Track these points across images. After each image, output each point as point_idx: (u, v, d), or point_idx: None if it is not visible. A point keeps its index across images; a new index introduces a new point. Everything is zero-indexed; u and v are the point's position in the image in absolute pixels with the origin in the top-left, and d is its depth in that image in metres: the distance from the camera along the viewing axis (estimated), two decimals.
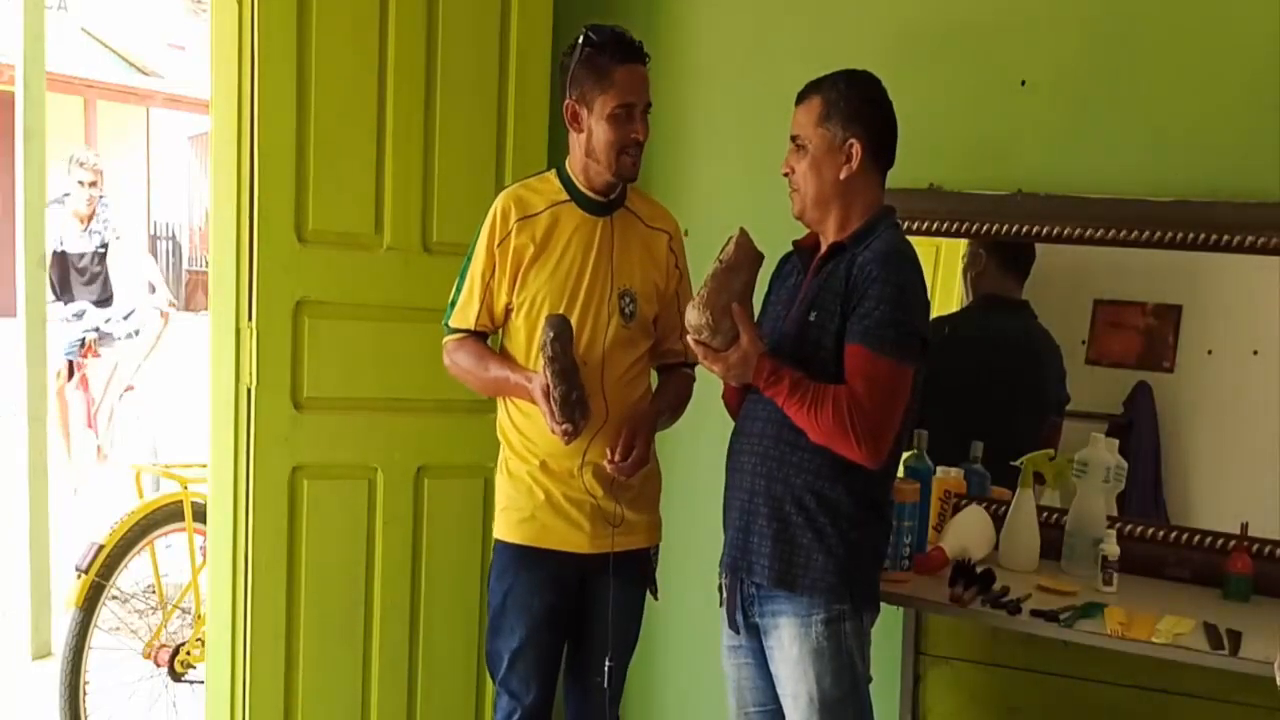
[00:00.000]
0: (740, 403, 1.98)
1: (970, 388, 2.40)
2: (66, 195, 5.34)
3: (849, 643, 1.86)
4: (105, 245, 5.42)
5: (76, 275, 5.36)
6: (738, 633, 1.97)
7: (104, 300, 5.38)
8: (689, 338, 1.88)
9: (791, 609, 1.86)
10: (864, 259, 1.83)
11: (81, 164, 5.28)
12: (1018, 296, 2.39)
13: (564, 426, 1.93)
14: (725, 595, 1.97)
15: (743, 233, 1.88)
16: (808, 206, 1.92)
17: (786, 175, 1.93)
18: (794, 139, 1.91)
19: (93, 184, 5.30)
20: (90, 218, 5.38)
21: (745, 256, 1.87)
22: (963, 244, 2.43)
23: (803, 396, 1.79)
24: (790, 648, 1.86)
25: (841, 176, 1.88)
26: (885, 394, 1.78)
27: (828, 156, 1.88)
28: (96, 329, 5.19)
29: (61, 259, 5.28)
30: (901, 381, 1.80)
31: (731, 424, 2.00)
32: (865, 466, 1.80)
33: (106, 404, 5.28)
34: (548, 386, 1.92)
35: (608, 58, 1.98)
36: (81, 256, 5.36)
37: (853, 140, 1.87)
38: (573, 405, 1.92)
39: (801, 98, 1.92)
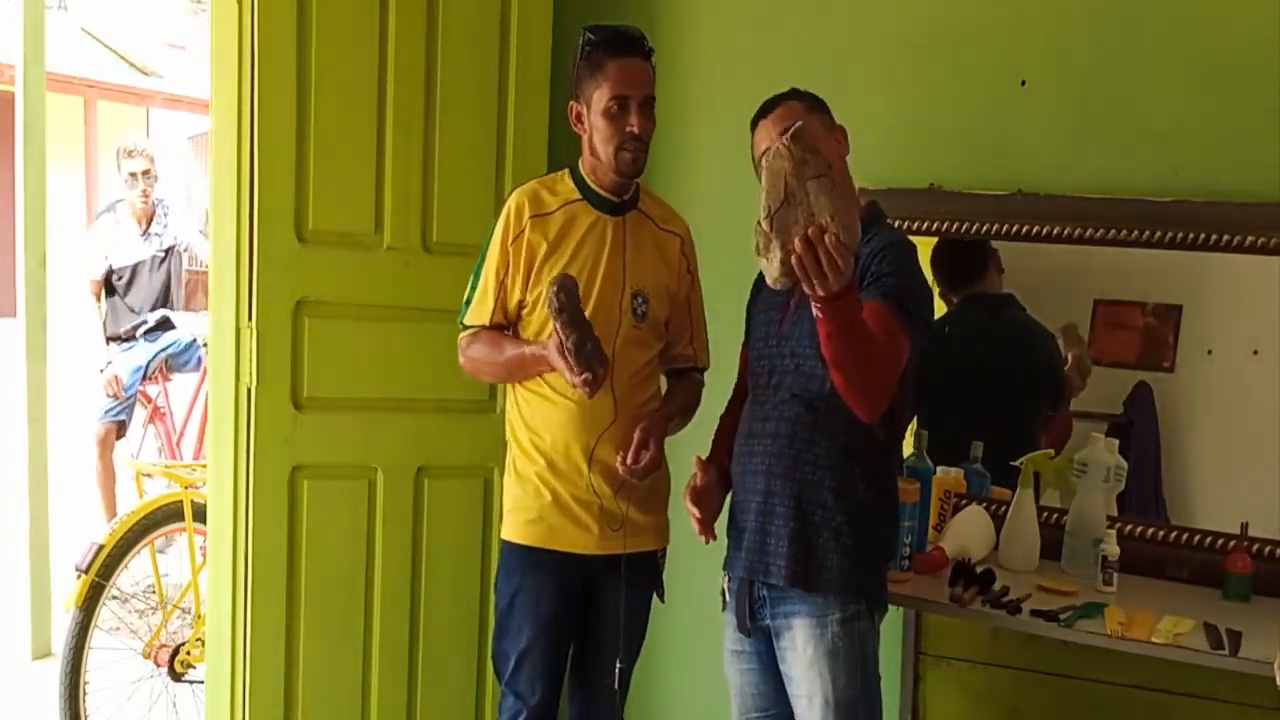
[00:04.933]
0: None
1: (967, 387, 2.40)
2: (118, 202, 4.58)
3: (863, 642, 1.87)
4: (168, 251, 4.53)
5: (129, 290, 4.51)
6: (748, 635, 1.95)
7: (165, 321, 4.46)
8: (828, 237, 1.54)
9: (807, 609, 1.85)
10: (870, 250, 1.85)
11: (130, 153, 4.44)
12: (998, 290, 2.39)
13: (583, 376, 1.86)
14: (734, 599, 1.96)
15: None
16: None
17: None
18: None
19: (145, 173, 4.45)
20: (150, 218, 4.52)
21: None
22: None
23: (863, 322, 1.68)
24: (805, 649, 1.85)
25: (844, 156, 1.91)
26: (899, 355, 1.76)
27: (829, 136, 1.89)
28: (165, 350, 4.46)
29: (114, 275, 4.49)
30: (904, 352, 1.78)
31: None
32: (861, 417, 1.76)
33: (192, 432, 4.57)
34: (561, 342, 1.88)
35: (602, 53, 1.99)
36: (139, 266, 4.50)
37: (842, 127, 1.93)
38: (589, 354, 1.87)
39: (770, 108, 1.92)
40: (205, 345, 4.19)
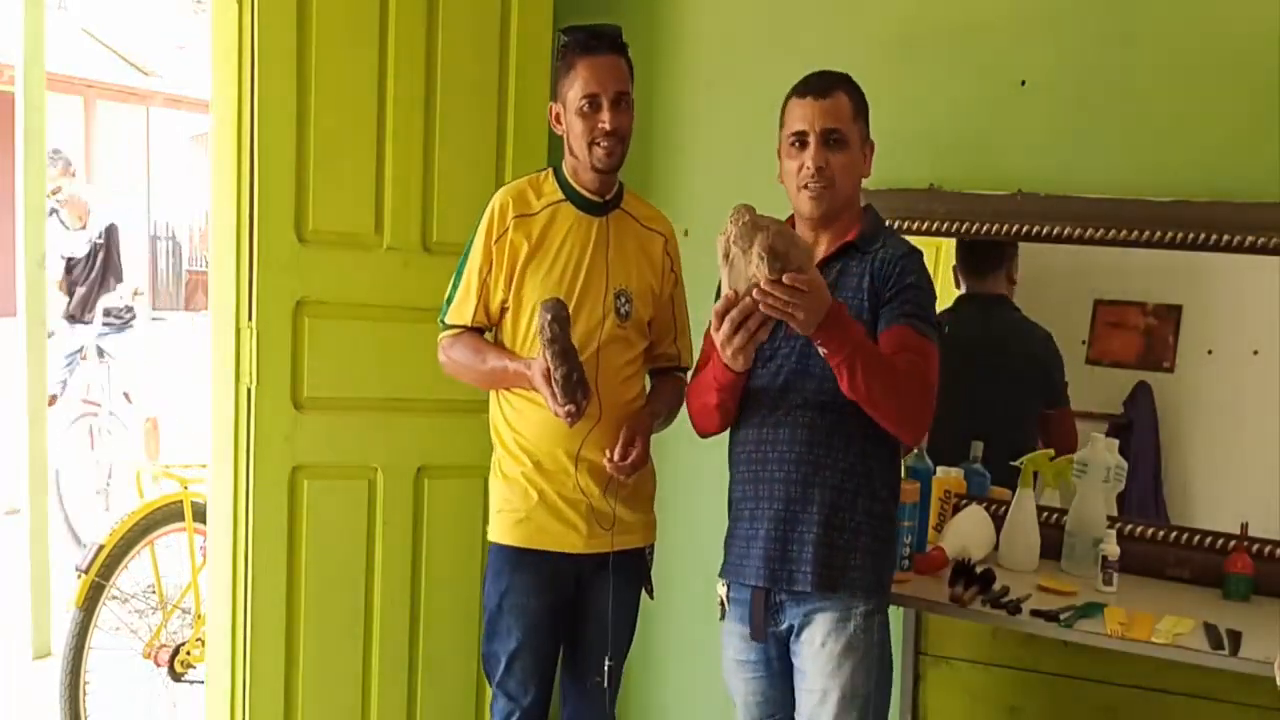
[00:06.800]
0: (723, 404, 1.90)
1: (967, 386, 2.39)
2: (59, 201, 5.18)
3: (881, 639, 1.87)
4: (101, 240, 5.22)
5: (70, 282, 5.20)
6: (761, 642, 1.91)
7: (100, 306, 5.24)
8: (761, 288, 1.61)
9: (829, 605, 1.84)
10: (885, 256, 1.84)
11: (51, 157, 4.76)
12: (995, 291, 2.39)
13: (567, 408, 1.89)
14: (744, 608, 1.91)
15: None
16: (838, 205, 1.86)
17: (819, 170, 1.82)
18: (827, 133, 1.82)
19: (65, 172, 5.09)
20: (82, 213, 5.22)
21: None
22: None
23: (873, 349, 1.74)
24: (825, 644, 1.84)
25: (865, 174, 1.92)
26: (934, 370, 1.80)
27: (862, 152, 1.89)
28: (99, 334, 5.12)
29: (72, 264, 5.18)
30: (935, 361, 1.81)
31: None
32: (907, 442, 1.85)
33: (103, 417, 5.06)
34: (548, 369, 1.89)
35: (574, 52, 2.00)
36: (77, 259, 5.21)
37: (872, 141, 1.92)
38: (574, 386, 1.88)
39: (824, 91, 1.83)
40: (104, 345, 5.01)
